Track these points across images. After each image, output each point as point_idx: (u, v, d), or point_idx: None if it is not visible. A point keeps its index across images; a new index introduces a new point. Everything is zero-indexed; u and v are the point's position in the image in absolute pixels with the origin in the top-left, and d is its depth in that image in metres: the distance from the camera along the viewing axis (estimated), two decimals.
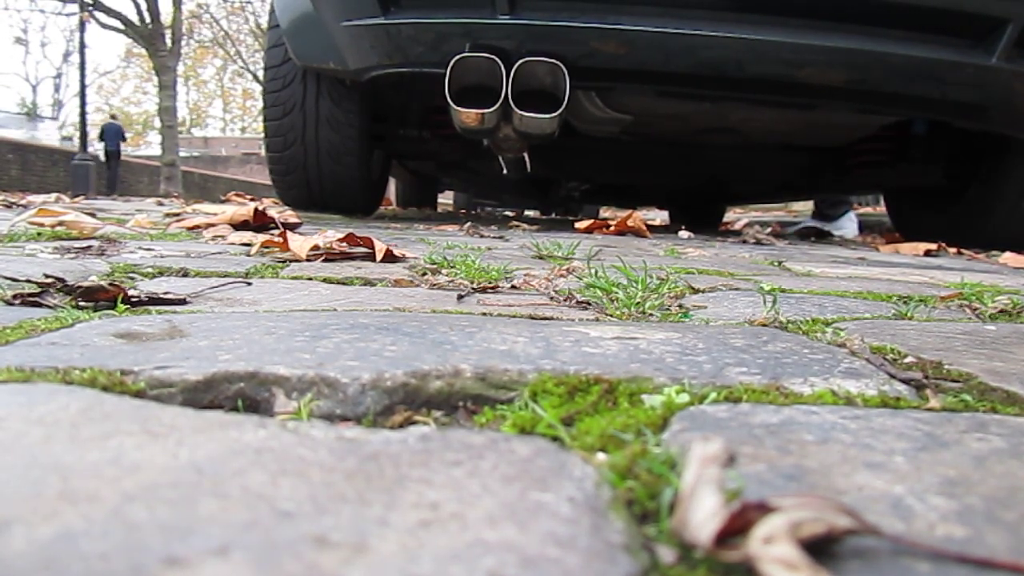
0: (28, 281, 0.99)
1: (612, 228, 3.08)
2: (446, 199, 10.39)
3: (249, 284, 1.16)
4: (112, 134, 16.78)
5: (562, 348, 0.72)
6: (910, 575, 0.34)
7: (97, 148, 17.02)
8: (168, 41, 19.10)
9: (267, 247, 1.69)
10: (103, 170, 16.31)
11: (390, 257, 1.55)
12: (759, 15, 2.36)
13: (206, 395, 0.59)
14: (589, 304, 1.06)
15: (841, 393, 0.62)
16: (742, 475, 0.44)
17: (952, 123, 2.86)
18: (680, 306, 1.08)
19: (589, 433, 0.51)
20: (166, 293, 0.98)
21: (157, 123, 25.40)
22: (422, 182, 6.41)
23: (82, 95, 16.39)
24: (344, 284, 1.22)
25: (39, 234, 1.80)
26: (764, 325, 0.92)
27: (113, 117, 19.06)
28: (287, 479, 0.41)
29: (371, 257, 1.56)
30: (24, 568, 0.30)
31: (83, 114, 16.24)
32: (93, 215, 2.30)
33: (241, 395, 0.59)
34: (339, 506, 0.38)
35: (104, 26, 20.05)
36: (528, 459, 0.45)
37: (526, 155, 3.27)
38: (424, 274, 1.35)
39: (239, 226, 2.15)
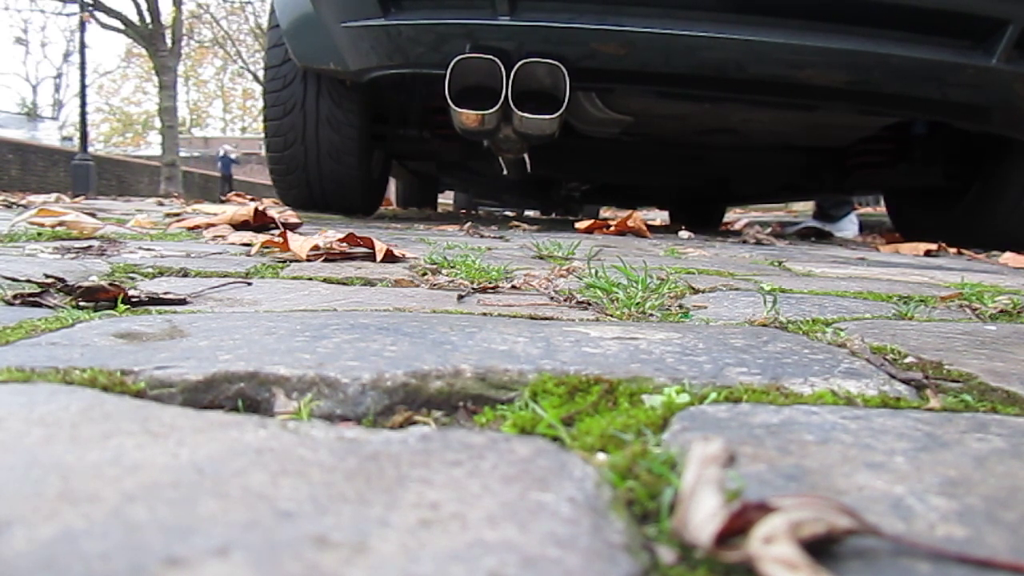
0: (28, 281, 0.99)
1: (612, 228, 3.08)
2: (446, 199, 10.39)
3: (249, 284, 1.16)
4: (226, 163, 22.51)
5: (562, 348, 0.72)
6: (910, 575, 0.34)
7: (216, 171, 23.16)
8: (168, 41, 19.11)
9: (267, 247, 1.69)
10: (223, 187, 21.03)
11: (390, 257, 1.55)
12: (760, 16, 2.36)
13: (206, 395, 0.59)
14: (589, 304, 1.06)
15: (841, 393, 0.62)
16: (742, 475, 0.44)
17: (952, 124, 2.86)
18: (680, 306, 1.08)
19: (589, 433, 0.51)
20: (166, 293, 0.98)
21: (157, 123, 25.46)
22: (422, 182, 6.41)
23: (82, 95, 16.40)
24: (344, 284, 1.22)
25: (39, 234, 1.80)
26: (764, 325, 0.92)
27: (225, 151, 24.09)
28: (287, 479, 0.41)
29: (371, 257, 1.56)
30: (25, 568, 0.30)
31: (83, 114, 16.26)
32: (93, 215, 2.30)
33: (241, 395, 0.59)
34: (339, 506, 0.38)
35: (104, 26, 20.05)
36: (528, 459, 0.45)
37: (526, 156, 3.27)
38: (424, 274, 1.35)
39: (239, 226, 2.15)
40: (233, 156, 23.60)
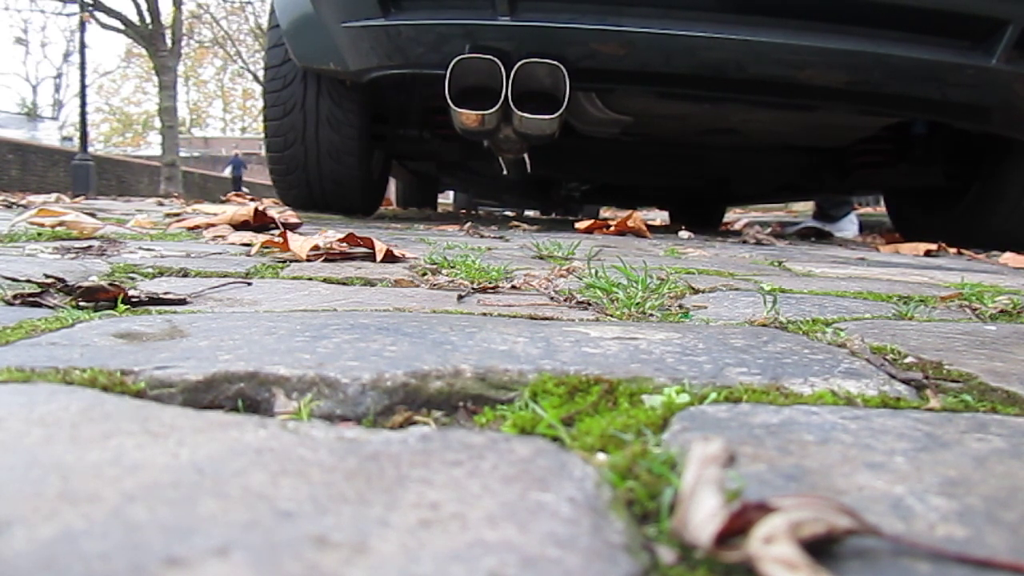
0: (28, 281, 0.99)
1: (612, 228, 3.08)
2: (446, 199, 10.39)
3: (249, 284, 1.16)
4: (236, 165, 23.78)
5: (562, 348, 0.72)
6: (910, 575, 0.34)
7: (226, 173, 24.71)
8: (168, 41, 19.11)
9: (267, 247, 1.69)
10: (229, 186, 21.56)
11: (390, 257, 1.55)
12: (759, 16, 2.36)
13: (206, 395, 0.59)
14: (589, 304, 1.06)
15: (841, 393, 0.62)
16: (742, 475, 0.44)
17: (952, 124, 2.86)
18: (680, 306, 1.08)
19: (589, 433, 0.51)
20: (166, 293, 0.98)
21: (157, 123, 25.52)
22: (422, 182, 6.41)
23: (82, 95, 16.40)
24: (344, 284, 1.22)
25: (39, 234, 1.80)
26: (764, 325, 0.92)
27: (236, 154, 26.12)
28: (287, 479, 0.41)
29: (371, 257, 1.56)
30: (25, 568, 0.30)
31: (83, 114, 16.25)
32: (93, 215, 2.30)
33: (241, 395, 0.59)
34: (339, 506, 0.38)
35: (104, 26, 20.04)
36: (528, 459, 0.45)
37: (526, 156, 3.27)
38: (424, 274, 1.35)
39: (239, 226, 2.15)
40: (242, 160, 24.97)
